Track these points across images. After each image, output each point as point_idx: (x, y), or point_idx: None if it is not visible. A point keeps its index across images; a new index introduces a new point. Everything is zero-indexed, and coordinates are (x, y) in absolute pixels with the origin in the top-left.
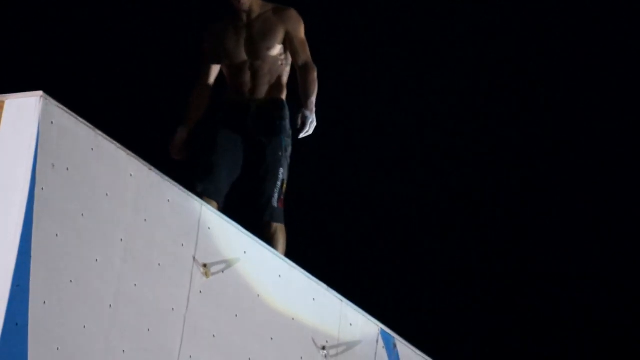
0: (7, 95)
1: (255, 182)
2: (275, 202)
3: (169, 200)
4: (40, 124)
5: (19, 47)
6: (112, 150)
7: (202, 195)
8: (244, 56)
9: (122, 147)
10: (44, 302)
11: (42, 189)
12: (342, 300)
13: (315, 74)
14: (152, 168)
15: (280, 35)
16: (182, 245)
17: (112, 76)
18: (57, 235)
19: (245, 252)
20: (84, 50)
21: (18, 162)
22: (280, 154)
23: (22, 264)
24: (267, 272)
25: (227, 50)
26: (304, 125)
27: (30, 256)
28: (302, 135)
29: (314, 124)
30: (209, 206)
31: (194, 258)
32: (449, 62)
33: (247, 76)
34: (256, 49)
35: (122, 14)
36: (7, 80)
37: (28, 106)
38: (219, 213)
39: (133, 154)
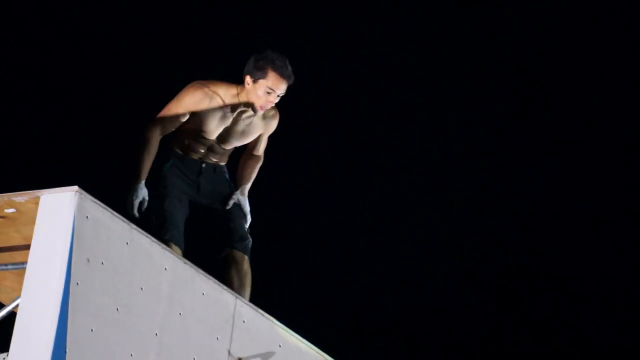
0: (43, 190)
1: (222, 220)
2: (250, 238)
3: (203, 294)
4: (75, 219)
5: (54, 141)
6: (146, 244)
7: (168, 242)
8: (214, 138)
9: (156, 241)
10: None
11: (78, 283)
12: None
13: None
14: (187, 262)
15: (253, 138)
16: (217, 339)
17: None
18: (92, 330)
19: (280, 346)
20: (118, 144)
21: (53, 257)
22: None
23: (58, 359)
24: None
25: (208, 128)
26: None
27: (65, 351)
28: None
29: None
30: (242, 299)
31: (229, 352)
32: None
33: (205, 150)
34: (228, 142)
35: (156, 108)
36: (42, 175)
37: (63, 201)
38: (254, 306)
39: (167, 248)
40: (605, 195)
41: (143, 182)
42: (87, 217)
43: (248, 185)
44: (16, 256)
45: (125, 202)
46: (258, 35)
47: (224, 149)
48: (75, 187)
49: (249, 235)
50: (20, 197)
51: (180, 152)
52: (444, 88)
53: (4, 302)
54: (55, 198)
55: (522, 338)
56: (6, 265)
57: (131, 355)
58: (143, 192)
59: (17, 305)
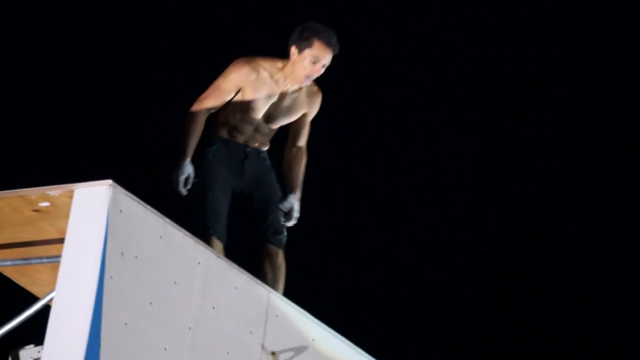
0: (77, 184)
1: (263, 212)
2: (285, 231)
3: (236, 288)
4: (109, 213)
5: (88, 136)
6: (180, 237)
7: (211, 236)
8: (261, 115)
9: (190, 234)
10: None
11: (112, 277)
12: None
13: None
14: (220, 255)
15: (297, 116)
16: (250, 332)
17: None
18: (126, 323)
19: (313, 340)
20: (152, 138)
21: (87, 251)
22: (279, 192)
23: (92, 353)
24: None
25: (256, 104)
26: (291, 215)
27: (99, 345)
28: (289, 224)
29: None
30: (276, 293)
31: (262, 346)
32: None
33: (251, 130)
34: (275, 119)
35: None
36: (76, 168)
37: (97, 195)
38: (287, 300)
39: (201, 242)
40: (605, 195)
41: (189, 159)
42: (120, 210)
43: (300, 188)
44: (50, 249)
45: (171, 179)
46: (258, 36)
47: (270, 128)
48: (109, 181)
49: (284, 229)
50: (55, 191)
51: (226, 137)
52: (443, 88)
53: (38, 295)
54: (89, 192)
55: (522, 338)
56: (40, 258)
57: (165, 349)
58: (189, 169)
59: (51, 299)
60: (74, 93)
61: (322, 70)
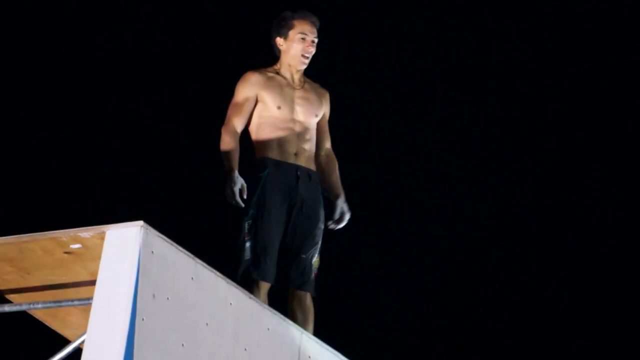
0: (108, 225)
1: (297, 249)
2: (314, 275)
3: (268, 329)
4: (141, 254)
5: (120, 176)
6: (211, 279)
7: (259, 279)
8: (292, 114)
9: (221, 275)
10: None
11: (143, 319)
12: None
13: None
14: (252, 297)
15: (321, 111)
16: None
17: (209, 202)
18: None
19: None
20: (182, 178)
21: (119, 293)
22: (322, 226)
23: None
24: None
25: (278, 101)
26: (342, 218)
27: None
28: (338, 227)
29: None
30: (308, 334)
31: None
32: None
33: (293, 136)
34: (305, 112)
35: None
36: (107, 210)
37: (129, 236)
38: (319, 341)
39: (233, 283)
40: (608, 194)
41: (236, 171)
42: (152, 252)
43: (342, 191)
44: (82, 292)
45: (224, 193)
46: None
47: (307, 130)
48: (141, 222)
49: (312, 273)
50: (86, 233)
51: (276, 157)
52: (443, 87)
53: (69, 338)
54: (120, 233)
55: (523, 338)
56: (72, 300)
57: None
58: (240, 180)
59: (83, 342)
60: (106, 133)
61: (314, 47)
